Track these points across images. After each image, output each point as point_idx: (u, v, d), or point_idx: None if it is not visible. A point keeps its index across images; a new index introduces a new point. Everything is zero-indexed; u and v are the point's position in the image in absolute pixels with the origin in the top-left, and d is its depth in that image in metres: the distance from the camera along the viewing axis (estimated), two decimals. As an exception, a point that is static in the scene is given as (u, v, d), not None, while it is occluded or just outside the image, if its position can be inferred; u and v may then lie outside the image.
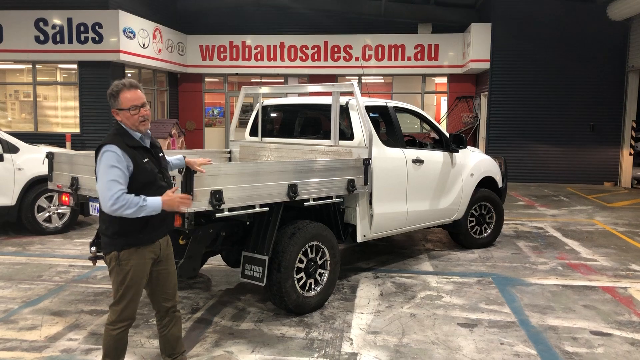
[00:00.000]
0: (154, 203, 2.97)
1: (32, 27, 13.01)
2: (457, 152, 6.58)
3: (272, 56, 16.30)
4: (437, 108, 17.49)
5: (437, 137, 6.73)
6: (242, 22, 16.59)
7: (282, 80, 16.83)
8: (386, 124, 6.23)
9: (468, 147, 6.98)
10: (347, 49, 16.06)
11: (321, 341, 4.18)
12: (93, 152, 3.28)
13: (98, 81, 13.20)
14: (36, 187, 7.37)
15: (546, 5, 13.83)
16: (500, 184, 7.39)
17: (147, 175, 3.05)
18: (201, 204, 3.74)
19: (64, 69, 14.21)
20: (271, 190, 4.31)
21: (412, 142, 6.62)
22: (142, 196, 2.96)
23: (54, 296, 5.12)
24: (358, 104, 5.34)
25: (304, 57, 16.21)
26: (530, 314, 4.82)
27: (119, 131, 3.10)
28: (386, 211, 5.61)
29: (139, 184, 3.01)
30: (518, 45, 14.03)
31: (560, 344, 4.19)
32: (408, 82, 16.68)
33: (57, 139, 12.98)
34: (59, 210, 7.68)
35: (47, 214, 7.61)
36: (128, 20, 13.19)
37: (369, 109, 5.64)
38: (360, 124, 5.40)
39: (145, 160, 3.07)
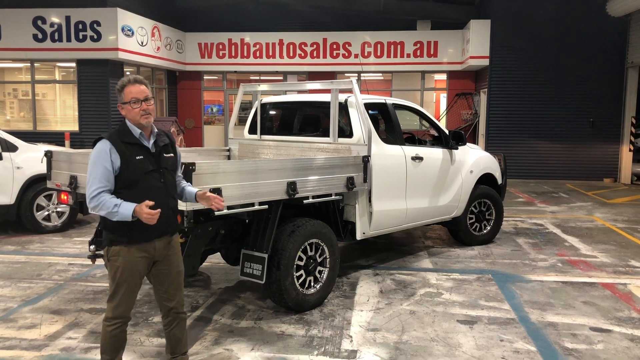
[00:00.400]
0: (125, 211, 2.91)
1: (30, 25, 12.97)
2: (457, 149, 6.57)
3: (270, 53, 16.27)
4: (437, 105, 17.47)
5: (436, 134, 6.73)
6: (240, 20, 16.55)
7: (281, 78, 16.81)
8: (385, 121, 6.22)
9: (467, 144, 6.97)
10: (346, 46, 16.03)
11: (321, 339, 4.18)
12: (91, 150, 3.28)
13: (97, 79, 13.12)
14: (35, 185, 7.36)
15: (545, 2, 13.80)
16: (499, 181, 7.39)
17: (133, 172, 3.02)
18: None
19: (63, 67, 14.16)
20: (270, 188, 4.31)
21: (412, 139, 6.61)
22: (119, 201, 2.94)
23: (53, 295, 5.12)
24: (357, 101, 5.33)
25: (302, 55, 16.18)
26: (530, 311, 4.82)
27: (119, 127, 3.14)
28: (385, 208, 5.60)
29: (124, 181, 3.01)
30: (517, 41, 14.00)
31: (560, 341, 4.20)
32: (407, 79, 16.66)
33: (55, 138, 12.93)
34: (58, 209, 7.68)
35: (46, 213, 7.60)
36: (126, 18, 13.15)
37: (368, 106, 5.63)
38: (360, 122, 5.39)
39: (138, 158, 3.04)
